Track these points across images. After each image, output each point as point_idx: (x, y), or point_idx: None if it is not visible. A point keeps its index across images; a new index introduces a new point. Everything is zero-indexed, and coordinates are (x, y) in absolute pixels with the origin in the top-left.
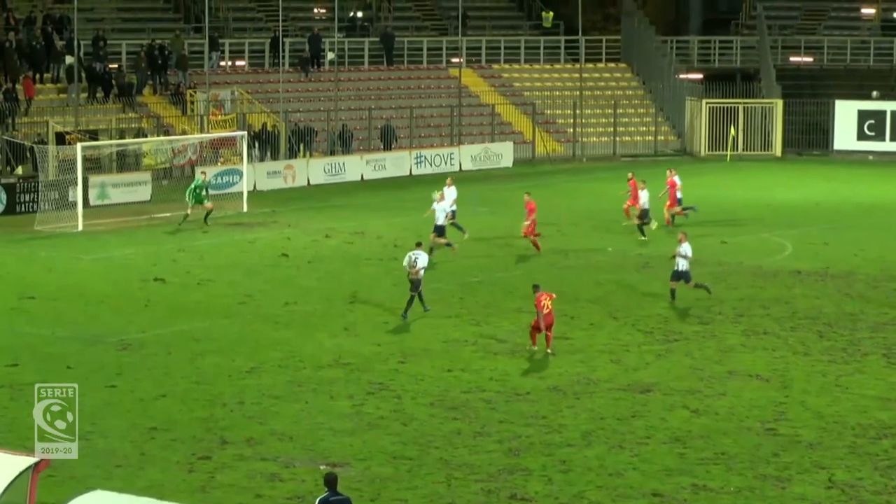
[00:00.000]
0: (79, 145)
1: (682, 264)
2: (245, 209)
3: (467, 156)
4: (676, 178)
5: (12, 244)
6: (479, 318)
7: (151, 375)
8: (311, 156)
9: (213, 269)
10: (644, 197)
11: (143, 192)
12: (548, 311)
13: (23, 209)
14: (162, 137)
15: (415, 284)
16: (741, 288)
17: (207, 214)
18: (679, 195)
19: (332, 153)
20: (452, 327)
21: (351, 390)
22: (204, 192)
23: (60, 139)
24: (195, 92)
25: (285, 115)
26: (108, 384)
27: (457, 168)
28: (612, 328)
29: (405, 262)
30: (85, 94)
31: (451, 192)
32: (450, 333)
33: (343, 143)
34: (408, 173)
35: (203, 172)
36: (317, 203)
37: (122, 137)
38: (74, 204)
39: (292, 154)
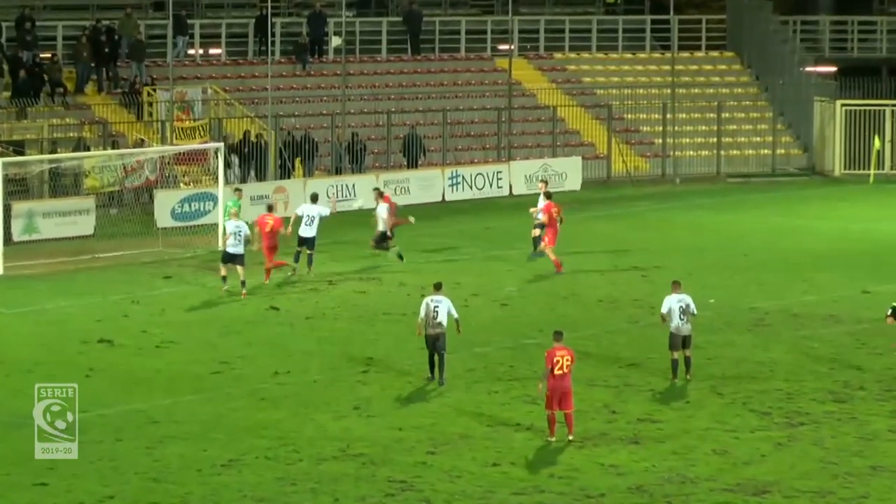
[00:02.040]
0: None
1: (680, 323)
2: (221, 246)
3: (519, 175)
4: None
5: None
6: (535, 392)
7: (95, 470)
8: (309, 175)
9: (177, 326)
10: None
11: (85, 225)
12: (562, 372)
13: None
14: (110, 151)
15: (434, 342)
16: (889, 354)
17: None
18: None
19: (339, 171)
20: (499, 405)
21: (363, 491)
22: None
23: None
24: (154, 90)
25: (275, 120)
26: (36, 481)
27: (505, 192)
28: (715, 407)
29: (421, 313)
30: (7, 94)
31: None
32: (496, 413)
33: (353, 157)
34: (440, 199)
35: (238, 190)
36: (317, 238)
37: (55, 151)
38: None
39: (284, 173)
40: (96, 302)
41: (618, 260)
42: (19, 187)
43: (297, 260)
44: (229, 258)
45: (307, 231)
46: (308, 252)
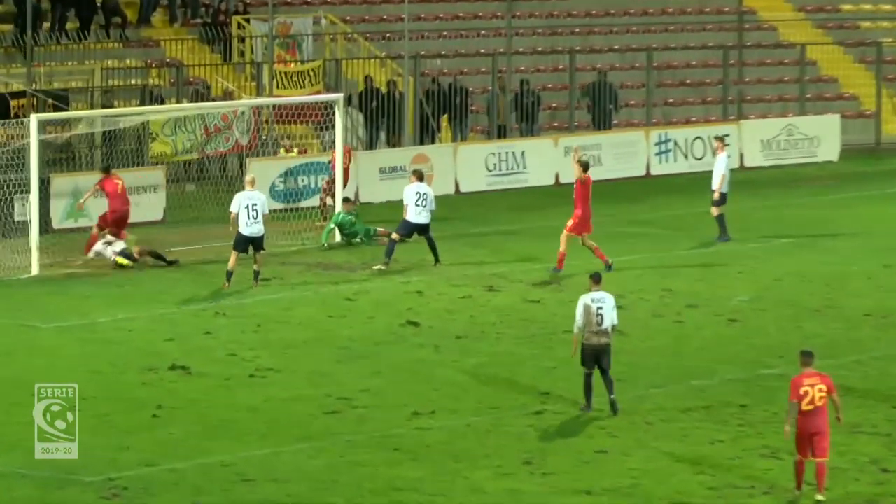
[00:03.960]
0: (33, 118)
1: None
2: (339, 237)
3: (753, 140)
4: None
5: None
6: (779, 440)
7: None
8: (462, 138)
9: (278, 348)
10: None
11: (152, 206)
12: (812, 406)
13: None
14: (186, 105)
15: (599, 356)
16: None
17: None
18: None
19: (501, 134)
20: (727, 459)
21: None
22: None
23: (2, 105)
24: (247, 21)
25: (414, 62)
26: None
27: (734, 161)
28: None
29: (579, 318)
30: (46, 24)
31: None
32: (722, 471)
33: (522, 114)
34: (642, 171)
35: (347, 200)
36: (470, 226)
37: (111, 104)
38: (23, 227)
39: (426, 135)
40: (167, 313)
41: (893, 258)
42: (61, 154)
43: (390, 255)
44: (246, 243)
45: (422, 215)
46: (425, 238)
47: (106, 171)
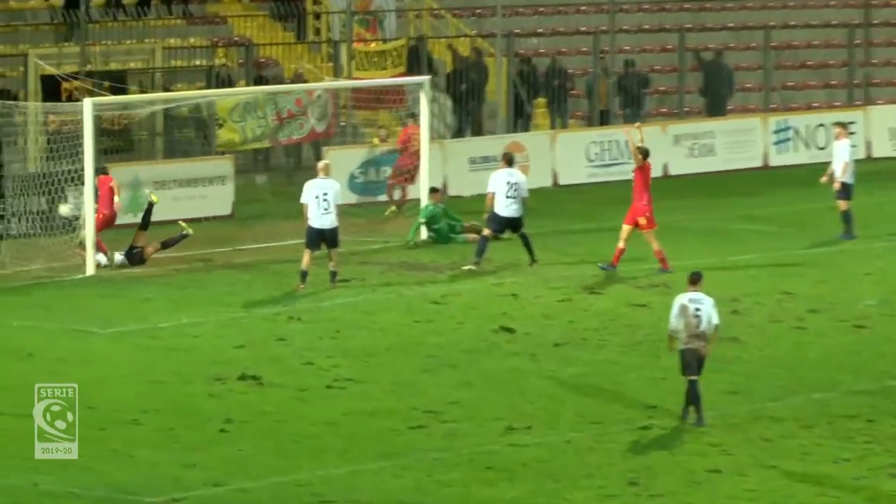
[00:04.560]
0: (87, 102)
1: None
2: (425, 234)
3: (881, 128)
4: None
5: None
6: None
7: None
8: (561, 125)
9: (359, 356)
10: None
11: (218, 199)
12: None
13: None
14: (256, 88)
15: (696, 362)
16: None
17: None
18: None
19: (604, 120)
20: (852, 479)
21: None
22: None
23: (51, 89)
24: None
25: (508, 41)
26: None
27: (860, 152)
28: None
29: (674, 320)
30: (101, 0)
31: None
32: (847, 492)
33: (626, 98)
34: (759, 162)
35: (435, 191)
36: (569, 222)
37: (173, 87)
38: (78, 222)
39: (520, 120)
40: (236, 318)
41: None
42: (119, 142)
43: (481, 254)
44: (318, 237)
45: (512, 208)
46: (518, 235)
47: (103, 171)
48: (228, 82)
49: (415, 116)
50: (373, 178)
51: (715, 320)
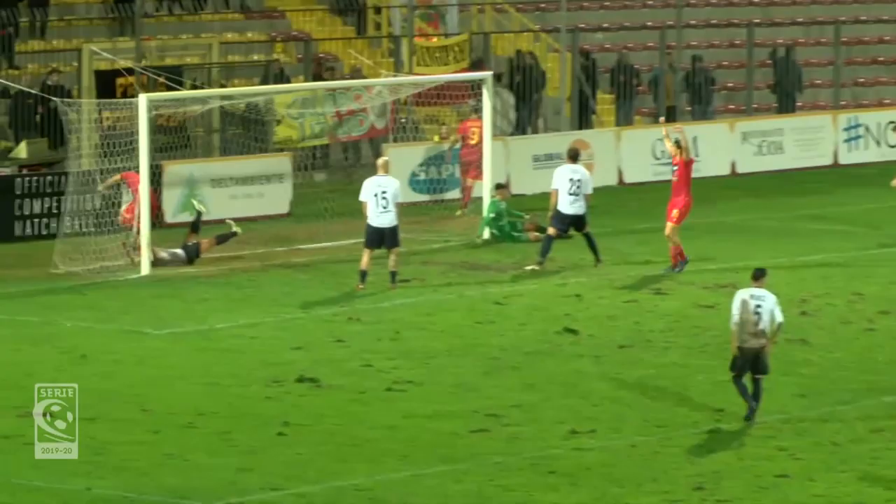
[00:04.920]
0: (142, 98)
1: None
2: (486, 234)
3: None
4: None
5: (9, 302)
6: None
7: None
8: (625, 121)
9: (419, 358)
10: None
11: (276, 198)
12: None
13: (29, 230)
14: (314, 83)
15: (755, 360)
16: None
17: None
18: None
19: (670, 117)
20: None
21: None
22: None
23: (105, 83)
24: None
25: (573, 35)
26: None
27: None
28: None
29: (735, 315)
30: None
31: None
32: None
33: (694, 95)
34: (829, 160)
35: (501, 186)
36: (635, 221)
37: (230, 83)
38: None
39: (584, 118)
40: (293, 319)
41: None
42: (175, 140)
43: (545, 253)
44: (377, 237)
45: (575, 205)
46: (583, 235)
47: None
48: (286, 78)
49: (477, 110)
50: (434, 176)
51: (779, 318)
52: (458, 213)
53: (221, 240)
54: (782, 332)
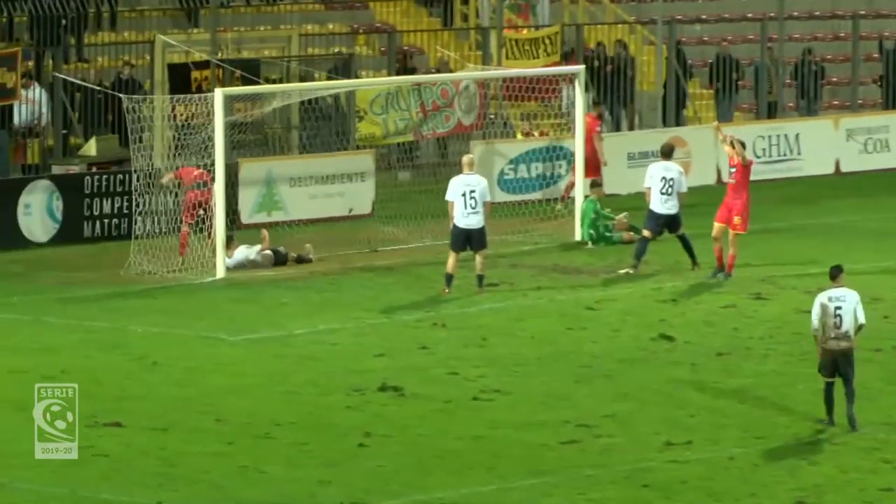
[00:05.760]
0: (218, 93)
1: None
2: (578, 234)
3: None
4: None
5: (77, 307)
6: None
7: None
8: (725, 117)
9: (506, 365)
10: None
11: (358, 197)
12: None
13: (100, 231)
14: (399, 77)
15: (839, 363)
16: None
17: None
18: None
19: (772, 113)
20: None
21: None
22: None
23: (179, 78)
24: None
25: (670, 27)
26: None
27: None
28: None
29: (815, 318)
30: None
31: None
32: None
33: (801, 90)
34: None
35: (596, 185)
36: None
37: (310, 77)
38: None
39: (677, 114)
40: (376, 324)
41: None
42: (252, 136)
43: (640, 256)
44: (463, 238)
45: (668, 204)
46: (677, 237)
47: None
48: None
49: (597, 104)
50: (523, 175)
51: (861, 319)
52: (558, 207)
53: (298, 261)
54: (880, 337)
